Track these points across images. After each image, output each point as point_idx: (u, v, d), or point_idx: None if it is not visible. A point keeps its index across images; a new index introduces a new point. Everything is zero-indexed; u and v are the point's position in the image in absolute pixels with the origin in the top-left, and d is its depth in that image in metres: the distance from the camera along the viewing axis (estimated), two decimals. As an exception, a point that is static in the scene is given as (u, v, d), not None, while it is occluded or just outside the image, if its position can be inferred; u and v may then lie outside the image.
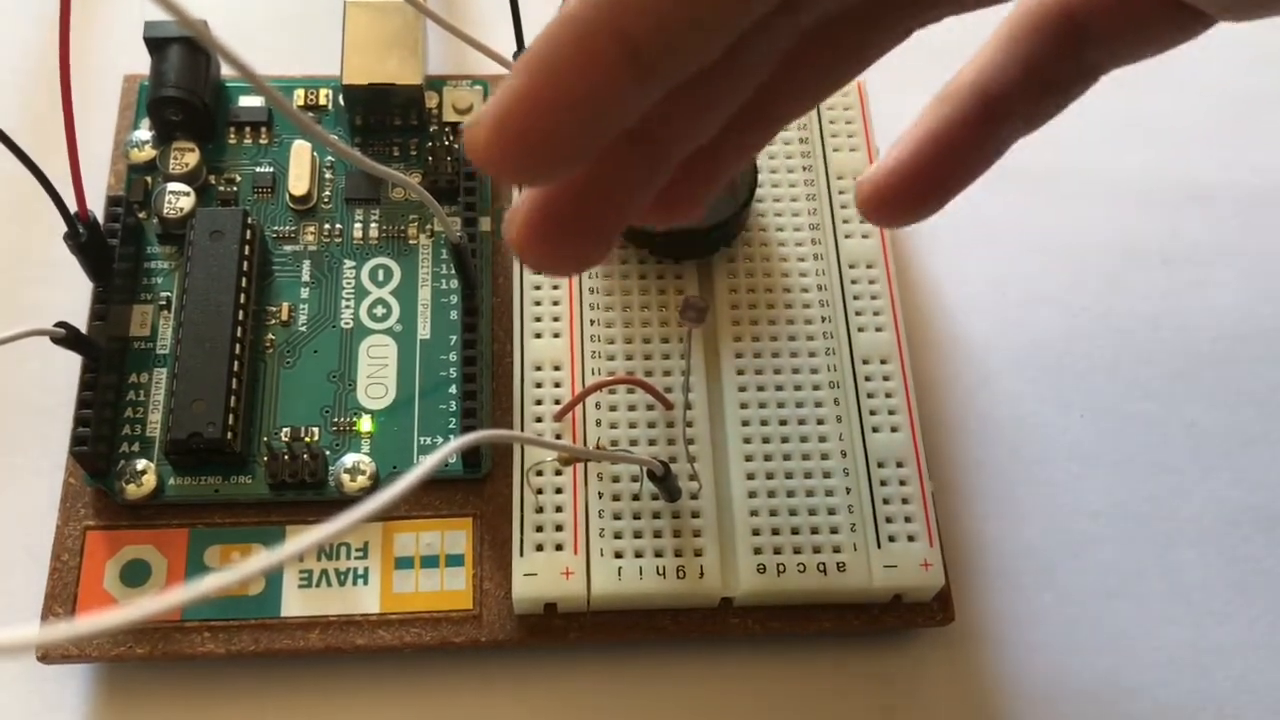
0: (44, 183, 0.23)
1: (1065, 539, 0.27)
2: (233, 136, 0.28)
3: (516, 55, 0.27)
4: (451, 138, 0.28)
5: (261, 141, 0.28)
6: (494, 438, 0.22)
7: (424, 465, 0.16)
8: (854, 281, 0.27)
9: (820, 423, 0.25)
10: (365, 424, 0.25)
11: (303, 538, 0.14)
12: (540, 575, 0.23)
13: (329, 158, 0.28)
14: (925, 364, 0.28)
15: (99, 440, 0.24)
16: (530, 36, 0.27)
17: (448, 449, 0.17)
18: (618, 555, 0.24)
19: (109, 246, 0.26)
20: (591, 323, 0.26)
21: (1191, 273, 0.30)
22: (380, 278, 0.27)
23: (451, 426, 0.25)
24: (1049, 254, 0.30)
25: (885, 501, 0.24)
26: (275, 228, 0.27)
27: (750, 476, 0.24)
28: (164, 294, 0.27)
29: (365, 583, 0.24)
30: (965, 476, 0.27)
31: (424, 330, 0.27)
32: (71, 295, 0.26)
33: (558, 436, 0.25)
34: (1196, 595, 0.26)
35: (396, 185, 0.28)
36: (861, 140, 0.28)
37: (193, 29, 0.16)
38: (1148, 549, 0.27)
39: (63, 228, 0.24)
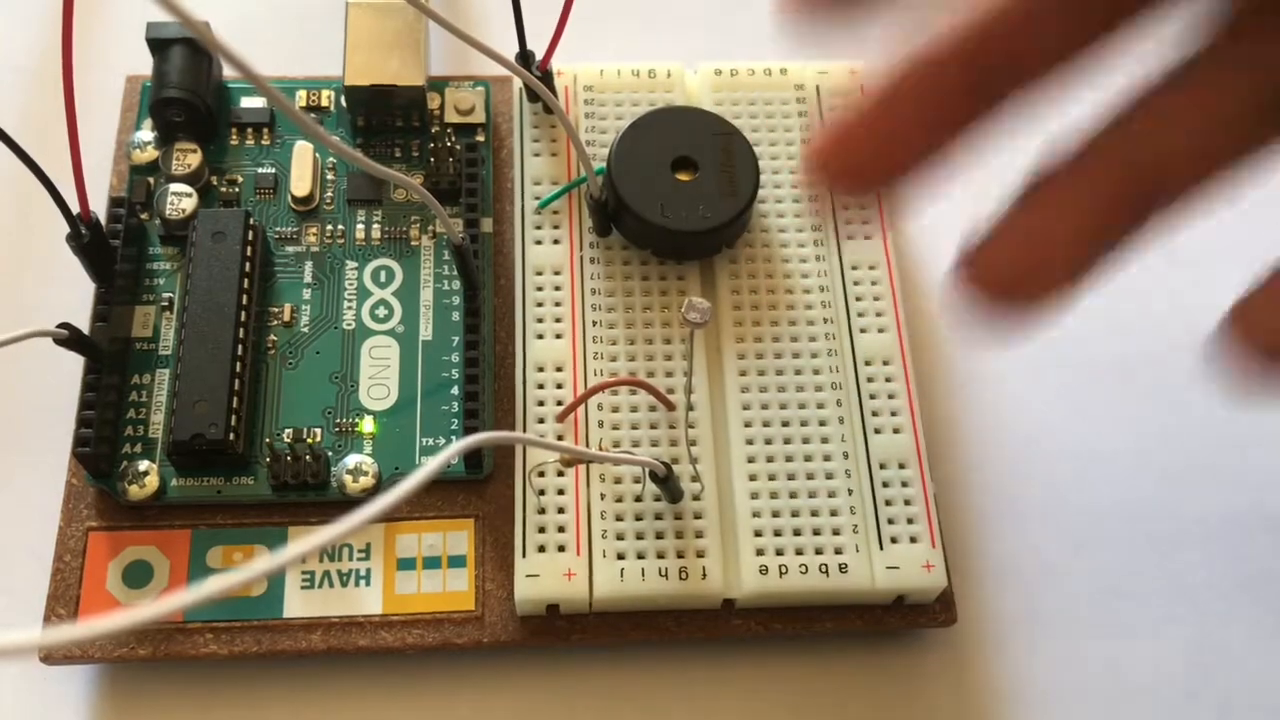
0: (46, 184, 0.23)
1: (1068, 540, 0.27)
2: (234, 137, 0.28)
3: (519, 56, 0.27)
4: (454, 139, 0.28)
5: (263, 142, 0.28)
6: (496, 439, 0.22)
7: (426, 468, 0.16)
8: (856, 283, 0.27)
9: (822, 424, 0.25)
10: (367, 425, 0.25)
11: (305, 540, 0.14)
12: (542, 576, 0.23)
13: (331, 159, 0.28)
14: (928, 365, 0.28)
15: (101, 441, 0.24)
16: (531, 36, 0.27)
17: (450, 451, 0.17)
18: (620, 556, 0.24)
19: (111, 247, 0.26)
20: (594, 324, 0.26)
21: (1196, 272, 0.30)
22: (382, 279, 0.27)
23: (454, 427, 0.25)
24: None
25: (887, 503, 0.24)
26: (277, 229, 0.27)
27: (752, 477, 0.24)
28: (166, 295, 0.27)
29: (367, 584, 0.24)
30: (968, 477, 0.27)
31: (426, 331, 0.27)
32: (74, 296, 0.26)
33: (560, 438, 0.25)
34: (1199, 595, 0.26)
35: (398, 186, 0.28)
36: (864, 141, 0.28)
37: (195, 30, 0.16)
38: (1150, 549, 0.27)
39: (65, 229, 0.24)
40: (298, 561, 0.24)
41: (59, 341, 0.24)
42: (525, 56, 0.27)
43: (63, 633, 0.13)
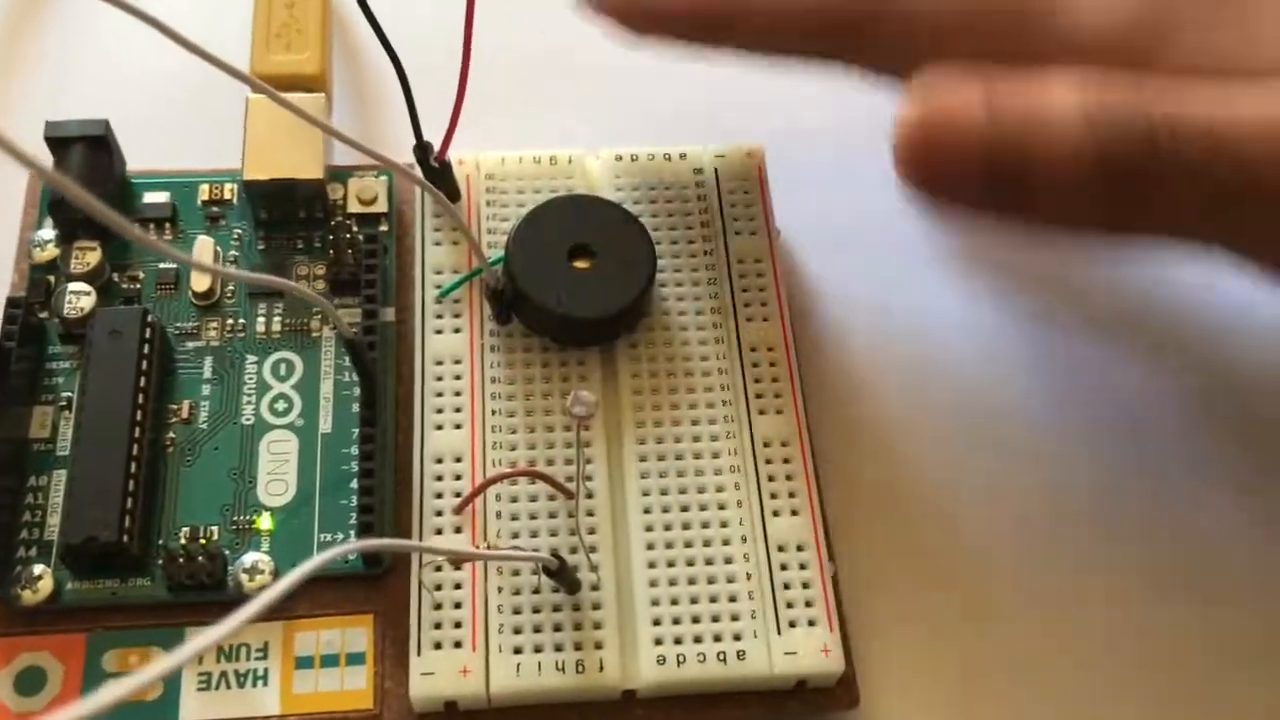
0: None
1: (970, 617, 0.27)
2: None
3: (416, 148, 0.27)
4: (355, 229, 0.28)
5: (165, 238, 0.28)
6: (375, 547, 0.22)
7: (301, 569, 0.17)
8: (755, 364, 0.27)
9: (721, 507, 0.25)
10: (265, 521, 0.25)
11: (189, 644, 0.14)
12: (438, 674, 0.23)
13: (233, 252, 0.28)
14: (828, 447, 0.28)
15: (-6, 547, 0.24)
16: (427, 126, 0.27)
17: (323, 557, 0.17)
18: (517, 650, 0.23)
19: (5, 348, 0.25)
20: (493, 413, 0.26)
21: (1104, 346, 0.30)
22: (282, 372, 0.27)
23: (352, 523, 0.25)
24: (956, 337, 0.30)
25: (786, 586, 0.24)
26: (178, 324, 0.27)
27: (651, 565, 0.24)
28: (65, 394, 0.26)
29: (265, 684, 0.24)
30: (870, 559, 0.27)
31: (325, 424, 0.26)
32: (-32, 399, 0.26)
33: (458, 529, 0.25)
34: (1101, 664, 0.26)
35: (299, 279, 0.28)
36: (761, 224, 0.28)
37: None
38: (1047, 626, 0.27)
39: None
40: (192, 662, 0.24)
41: (-51, 447, 0.24)
42: (423, 148, 0.27)
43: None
